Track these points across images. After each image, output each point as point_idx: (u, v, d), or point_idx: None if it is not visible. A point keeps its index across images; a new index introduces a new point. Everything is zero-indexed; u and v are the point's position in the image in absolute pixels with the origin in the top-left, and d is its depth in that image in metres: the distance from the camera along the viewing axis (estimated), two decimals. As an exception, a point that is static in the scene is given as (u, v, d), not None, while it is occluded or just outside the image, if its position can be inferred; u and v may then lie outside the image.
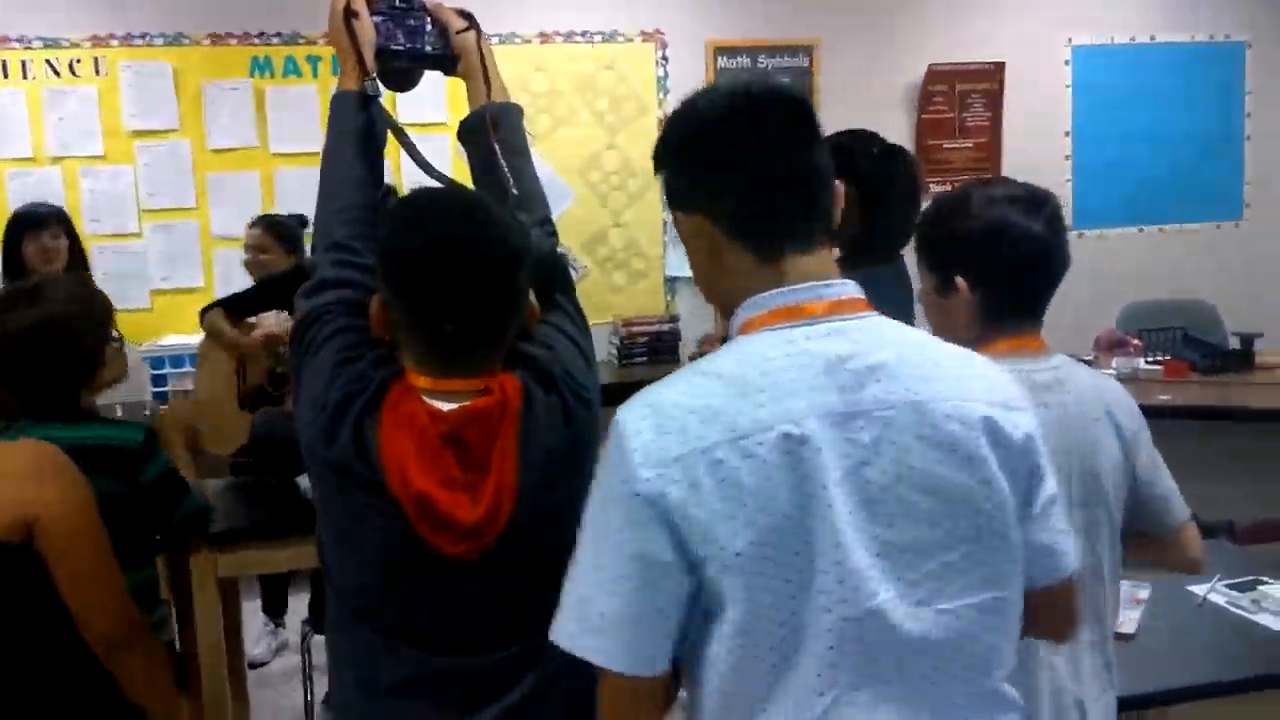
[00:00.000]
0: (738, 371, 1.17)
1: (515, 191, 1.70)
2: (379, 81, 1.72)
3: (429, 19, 1.78)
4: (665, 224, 5.51)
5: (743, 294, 1.23)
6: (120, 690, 1.80)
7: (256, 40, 5.08)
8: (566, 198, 5.35)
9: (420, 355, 1.49)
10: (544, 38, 5.38)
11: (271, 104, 5.10)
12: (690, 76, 5.52)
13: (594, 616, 1.15)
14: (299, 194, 4.92)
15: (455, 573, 1.46)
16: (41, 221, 3.81)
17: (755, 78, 1.26)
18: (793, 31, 5.65)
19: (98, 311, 2.24)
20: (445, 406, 1.46)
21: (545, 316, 1.62)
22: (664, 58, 5.53)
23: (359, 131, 1.69)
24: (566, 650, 1.17)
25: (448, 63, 1.81)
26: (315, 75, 5.13)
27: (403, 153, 1.78)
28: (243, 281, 4.23)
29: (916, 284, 1.83)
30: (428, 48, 1.77)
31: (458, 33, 1.80)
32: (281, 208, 4.91)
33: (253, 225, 4.26)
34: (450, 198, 1.54)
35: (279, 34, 5.09)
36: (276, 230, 4.20)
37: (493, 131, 1.75)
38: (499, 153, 1.73)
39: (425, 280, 1.45)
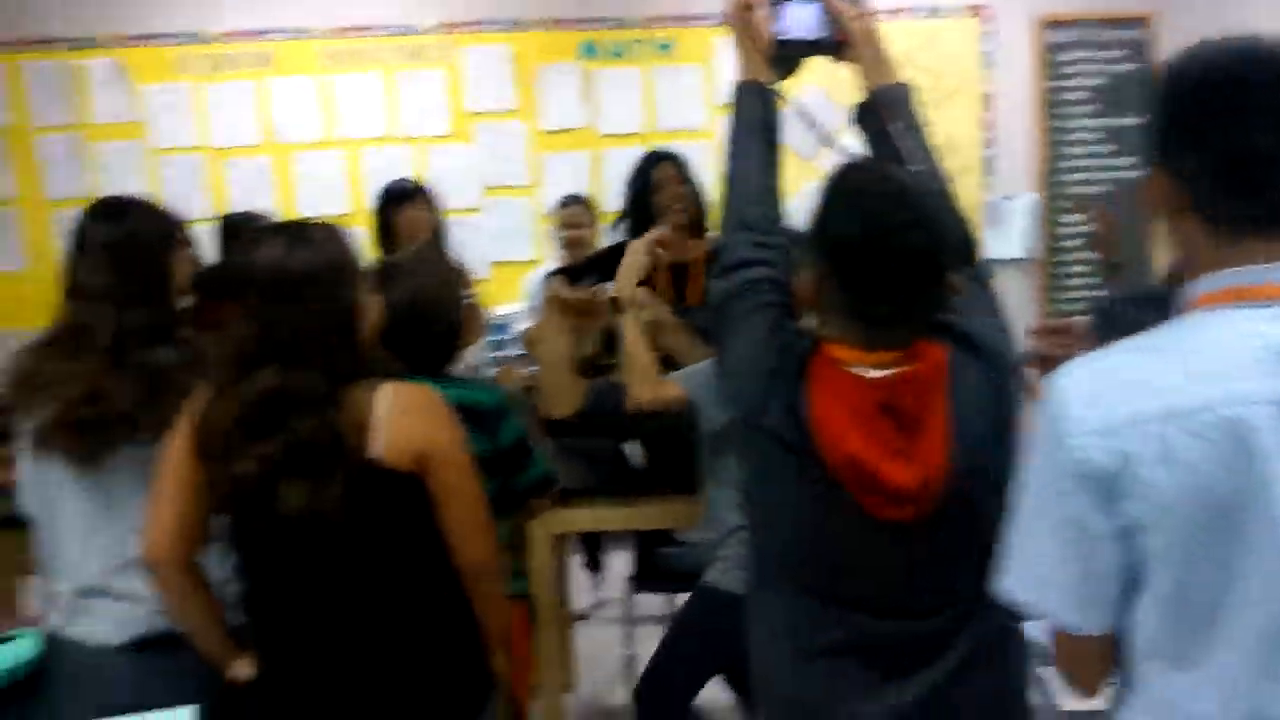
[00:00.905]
0: (1182, 349, 1.15)
1: (918, 168, 1.74)
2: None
3: (820, 5, 1.83)
4: (985, 204, 5.37)
5: (1193, 265, 1.20)
6: (471, 622, 1.96)
7: (586, 25, 5.32)
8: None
9: (850, 330, 1.54)
10: (865, 15, 5.34)
11: (600, 86, 5.33)
12: (1016, 52, 5.33)
13: (1037, 575, 1.20)
14: (625, 174, 5.12)
15: (889, 537, 1.51)
16: (409, 195, 4.09)
17: None
18: (1127, 2, 5.35)
19: (459, 282, 2.46)
20: (874, 374, 1.51)
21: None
22: (989, 33, 5.37)
23: (762, 120, 1.77)
24: (1013, 604, 1.22)
25: (837, 48, 1.86)
26: (640, 59, 5.32)
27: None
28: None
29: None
30: (820, 35, 1.83)
31: (847, 18, 1.85)
32: (609, 188, 5.15)
33: (566, 204, 4.49)
34: (882, 181, 1.57)
35: (607, 19, 5.31)
36: (592, 206, 4.41)
37: (889, 112, 1.80)
38: (896, 134, 1.78)
39: (863, 266, 1.50)
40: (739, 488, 1.70)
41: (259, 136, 5.31)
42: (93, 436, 2.02)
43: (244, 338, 1.79)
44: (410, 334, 2.31)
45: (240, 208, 4.39)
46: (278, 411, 1.77)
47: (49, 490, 2.12)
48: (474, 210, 5.33)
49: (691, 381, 2.45)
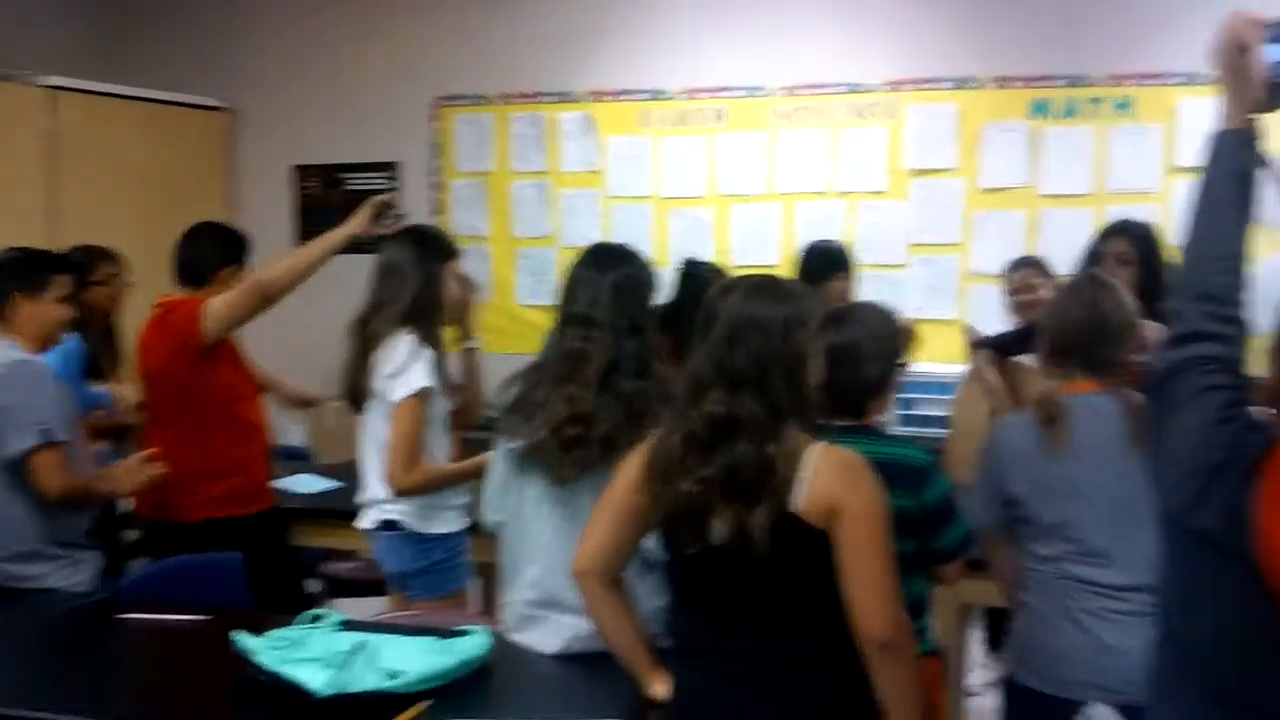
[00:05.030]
0: None
1: None
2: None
3: None
4: None
5: None
6: (863, 693, 1.93)
7: (1039, 83, 5.17)
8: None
9: None
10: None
11: (1047, 146, 5.17)
12: None
13: None
14: (1064, 236, 4.92)
15: None
16: (843, 265, 4.24)
17: None
18: None
19: (894, 341, 2.48)
20: None
21: None
22: None
23: (1241, 174, 1.58)
24: None
25: None
26: (1095, 118, 5.10)
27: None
28: (994, 317, 4.39)
29: None
30: None
31: None
32: (1044, 248, 4.95)
33: (1018, 266, 4.36)
34: None
35: (1062, 76, 5.13)
36: (1044, 269, 4.26)
37: None
38: None
39: None
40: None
41: (704, 189, 5.61)
42: (575, 455, 2.25)
43: (700, 369, 1.94)
44: (844, 376, 2.35)
45: (679, 255, 4.68)
46: (722, 435, 1.89)
47: (524, 506, 2.36)
48: (900, 266, 5.33)
49: None
